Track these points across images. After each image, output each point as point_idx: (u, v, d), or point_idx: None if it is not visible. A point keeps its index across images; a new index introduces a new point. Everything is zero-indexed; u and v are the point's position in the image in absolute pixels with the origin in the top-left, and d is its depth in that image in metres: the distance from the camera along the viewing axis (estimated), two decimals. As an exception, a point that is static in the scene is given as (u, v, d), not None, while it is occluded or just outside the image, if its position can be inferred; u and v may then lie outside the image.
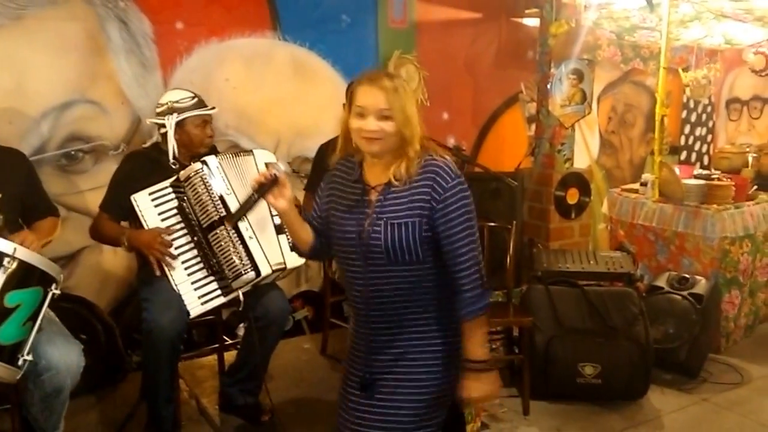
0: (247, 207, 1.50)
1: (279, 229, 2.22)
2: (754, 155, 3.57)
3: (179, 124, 2.24)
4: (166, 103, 2.24)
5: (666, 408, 2.59)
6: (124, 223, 2.26)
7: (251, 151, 2.32)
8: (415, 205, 1.40)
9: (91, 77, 2.64)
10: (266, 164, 2.17)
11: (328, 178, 1.54)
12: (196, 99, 2.28)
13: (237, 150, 2.59)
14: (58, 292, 1.77)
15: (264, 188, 1.45)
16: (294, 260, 2.22)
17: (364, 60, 3.23)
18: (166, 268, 2.11)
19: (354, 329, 1.55)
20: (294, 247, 1.61)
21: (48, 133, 2.58)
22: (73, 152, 2.64)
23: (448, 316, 1.46)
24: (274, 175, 1.44)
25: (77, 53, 2.60)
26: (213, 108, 2.32)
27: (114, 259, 2.74)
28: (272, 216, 2.21)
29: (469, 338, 1.43)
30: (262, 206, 2.16)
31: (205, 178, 2.10)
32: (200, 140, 2.27)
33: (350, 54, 3.18)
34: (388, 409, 1.45)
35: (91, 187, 2.65)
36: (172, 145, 2.22)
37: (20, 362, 1.69)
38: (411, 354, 1.45)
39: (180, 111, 2.22)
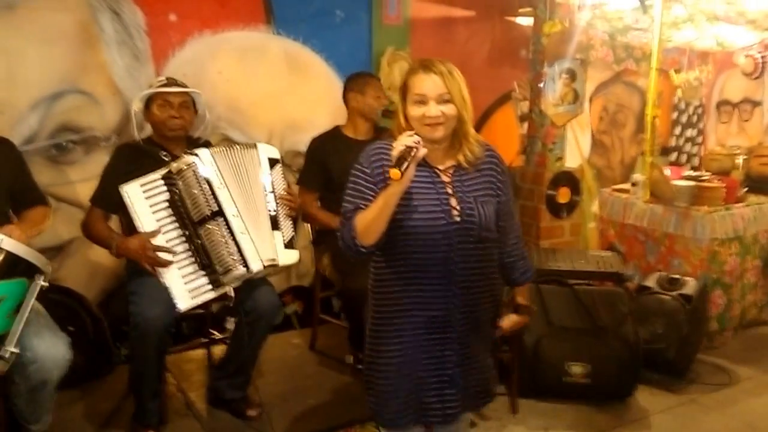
0: (403, 163, 1.37)
1: (274, 225, 2.20)
2: (744, 157, 3.59)
3: (148, 108, 2.23)
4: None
5: (654, 408, 2.59)
6: (114, 217, 2.24)
7: (255, 144, 2.28)
8: (488, 185, 1.52)
9: (82, 68, 2.62)
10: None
11: (371, 167, 1.48)
12: (165, 81, 2.25)
13: (234, 143, 2.57)
14: (45, 284, 1.75)
15: (409, 154, 1.37)
16: (287, 257, 2.21)
17: (358, 55, 3.23)
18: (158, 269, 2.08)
19: (414, 316, 1.52)
20: (356, 240, 1.46)
21: (38, 123, 2.56)
22: (63, 143, 2.63)
23: (497, 293, 1.63)
24: (416, 146, 1.38)
25: (69, 44, 2.58)
26: (178, 86, 2.23)
27: (103, 251, 2.69)
28: (268, 211, 2.19)
29: (522, 293, 1.72)
30: (257, 200, 2.18)
31: (197, 171, 2.08)
32: (162, 121, 2.19)
33: (344, 49, 3.17)
34: (480, 371, 1.60)
35: (82, 178, 2.63)
36: (136, 129, 2.21)
37: (6, 354, 1.67)
38: (484, 318, 1.59)
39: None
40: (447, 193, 1.46)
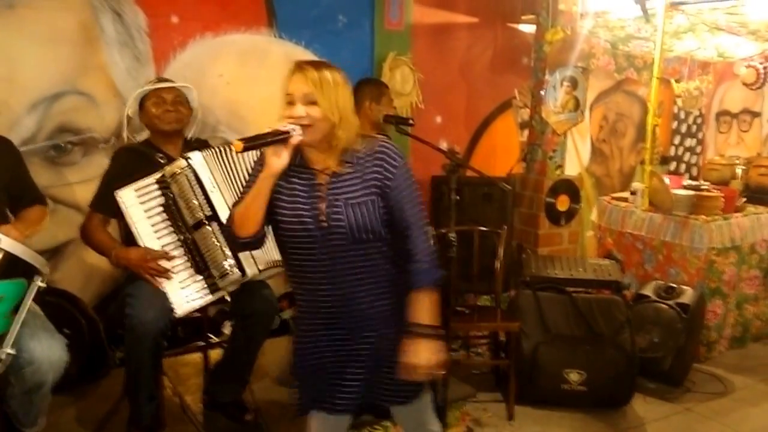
0: (257, 141, 1.39)
1: None
2: (743, 168, 3.60)
3: (142, 108, 2.22)
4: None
5: (649, 416, 2.60)
6: (113, 221, 2.23)
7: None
8: (370, 184, 1.45)
9: (82, 69, 2.61)
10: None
11: (256, 167, 1.49)
12: (156, 80, 2.26)
13: (224, 143, 2.57)
14: (44, 285, 1.74)
15: (275, 137, 1.37)
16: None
17: (360, 60, 3.23)
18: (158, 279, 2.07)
19: (307, 315, 1.53)
20: (232, 230, 1.49)
21: (37, 124, 2.54)
22: (62, 144, 2.61)
23: (401, 289, 1.50)
24: (288, 132, 1.38)
25: (69, 44, 2.57)
26: (165, 81, 2.25)
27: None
28: None
29: (417, 304, 1.48)
30: None
31: (189, 175, 2.06)
32: (157, 118, 2.19)
33: (346, 54, 3.16)
34: (380, 373, 1.51)
35: (80, 180, 2.62)
36: (124, 129, 2.22)
37: (2, 356, 1.66)
38: (375, 326, 1.50)
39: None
40: (318, 197, 1.44)
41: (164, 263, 2.07)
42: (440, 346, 1.49)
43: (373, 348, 1.51)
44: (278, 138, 1.38)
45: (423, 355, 1.46)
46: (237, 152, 1.42)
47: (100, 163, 2.31)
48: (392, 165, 1.46)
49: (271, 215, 1.48)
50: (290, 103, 1.41)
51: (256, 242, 1.51)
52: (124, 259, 2.09)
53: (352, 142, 1.46)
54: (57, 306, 2.44)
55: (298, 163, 1.47)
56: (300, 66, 1.42)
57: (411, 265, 1.47)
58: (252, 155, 2.18)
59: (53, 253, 2.62)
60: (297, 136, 1.39)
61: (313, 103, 1.40)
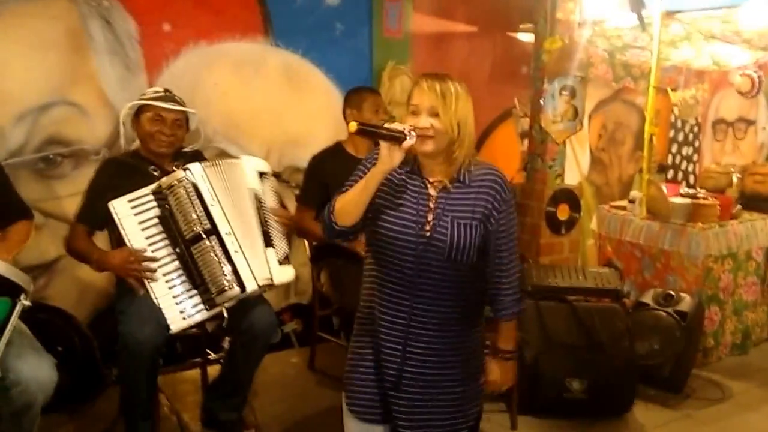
0: (373, 129, 1.42)
1: (267, 242, 2.12)
2: (738, 175, 3.64)
3: (137, 118, 2.15)
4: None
5: (650, 423, 2.61)
6: (100, 234, 2.17)
7: (239, 158, 2.23)
8: (478, 209, 1.47)
9: (71, 78, 2.53)
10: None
11: (368, 159, 1.52)
12: (163, 93, 2.17)
13: (222, 157, 2.53)
14: (28, 303, 1.68)
15: (390, 132, 1.39)
16: (282, 275, 2.14)
17: (358, 69, 3.19)
18: (147, 283, 2.01)
19: (381, 326, 1.53)
20: (332, 217, 1.51)
21: (25, 135, 2.46)
22: (51, 156, 2.53)
23: (475, 315, 1.58)
24: (404, 132, 1.40)
25: (57, 52, 2.49)
26: (175, 101, 2.15)
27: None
28: (261, 227, 2.13)
29: (504, 333, 1.60)
30: (250, 217, 2.11)
31: (188, 188, 2.00)
32: (150, 136, 2.12)
33: (344, 63, 3.14)
34: (425, 404, 1.53)
35: (70, 193, 2.53)
36: (122, 137, 2.16)
37: None
38: (446, 350, 1.53)
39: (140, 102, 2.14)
40: (427, 206, 1.47)
41: (149, 264, 2.00)
42: (515, 366, 1.64)
43: (422, 372, 1.53)
44: (393, 135, 1.40)
45: (505, 375, 1.62)
46: (351, 132, 1.42)
47: (90, 176, 2.21)
48: (502, 198, 1.49)
49: (374, 214, 1.49)
50: (414, 113, 1.45)
51: (351, 233, 1.53)
52: (106, 263, 2.04)
53: (468, 158, 1.48)
54: (49, 323, 2.36)
55: (413, 170, 1.50)
56: (427, 78, 1.46)
57: (500, 294, 1.55)
58: (234, 167, 2.12)
59: (44, 269, 2.54)
60: (410, 141, 1.39)
61: (436, 115, 1.42)
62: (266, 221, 2.16)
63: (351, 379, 1.60)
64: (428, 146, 1.43)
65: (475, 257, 1.48)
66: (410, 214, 1.47)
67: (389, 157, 1.40)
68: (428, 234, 1.45)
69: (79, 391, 2.44)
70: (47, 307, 2.44)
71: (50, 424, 1.93)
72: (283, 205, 2.33)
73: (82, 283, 2.64)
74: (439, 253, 1.45)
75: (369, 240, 1.55)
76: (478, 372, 1.61)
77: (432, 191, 1.48)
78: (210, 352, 2.59)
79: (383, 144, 1.40)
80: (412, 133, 1.40)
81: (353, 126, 1.39)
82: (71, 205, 2.49)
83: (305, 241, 2.84)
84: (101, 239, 2.21)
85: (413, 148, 1.42)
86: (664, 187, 3.28)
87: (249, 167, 2.20)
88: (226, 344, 2.71)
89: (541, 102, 3.22)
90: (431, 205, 1.47)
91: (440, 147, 1.44)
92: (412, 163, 1.49)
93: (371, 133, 1.43)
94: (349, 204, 1.47)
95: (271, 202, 2.21)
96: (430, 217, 1.46)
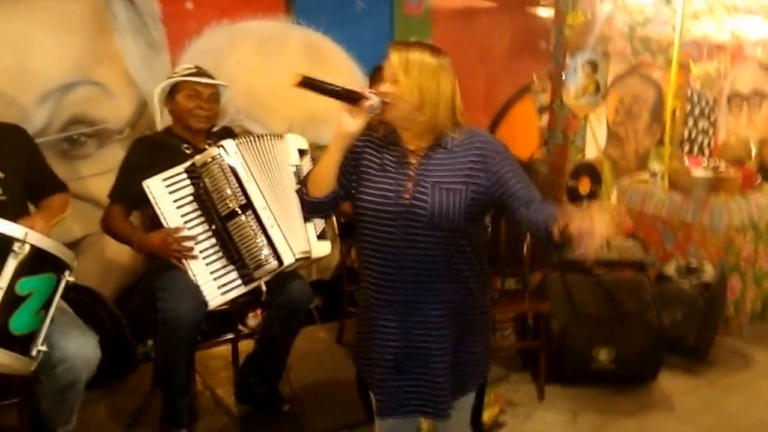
0: (323, 87, 1.36)
1: (306, 217, 2.13)
2: (756, 147, 3.66)
3: (172, 96, 2.14)
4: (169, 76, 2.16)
5: (676, 391, 2.67)
6: (136, 213, 2.18)
7: (283, 135, 2.22)
8: (461, 173, 1.41)
9: (95, 57, 2.52)
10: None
11: (354, 143, 1.47)
12: (195, 69, 2.16)
13: (261, 134, 2.54)
14: (72, 279, 1.68)
15: (350, 96, 1.35)
16: (320, 249, 2.16)
17: (380, 46, 3.17)
18: (185, 261, 2.02)
19: (376, 299, 1.48)
20: (307, 186, 1.48)
21: (49, 115, 2.46)
22: (75, 136, 2.52)
23: (477, 287, 1.49)
24: (360, 93, 1.36)
25: (81, 32, 2.48)
26: (208, 76, 2.15)
27: (118, 247, 2.59)
28: (298, 202, 2.15)
29: (568, 219, 1.27)
30: (287, 192, 2.10)
31: (223, 164, 2.00)
32: (188, 111, 2.11)
33: (365, 40, 3.12)
34: (423, 377, 1.47)
35: (95, 173, 2.55)
36: (158, 115, 2.14)
37: (34, 353, 1.60)
38: (442, 320, 1.46)
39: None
40: (407, 175, 1.42)
41: (189, 244, 2.02)
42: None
43: (430, 345, 1.46)
44: (347, 94, 1.36)
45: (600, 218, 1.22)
46: (292, 84, 1.35)
47: (114, 155, 2.23)
48: (491, 150, 1.42)
49: (356, 188, 1.46)
50: (382, 79, 1.41)
51: (326, 204, 1.49)
52: (146, 245, 2.04)
53: (443, 125, 1.41)
54: (79, 302, 2.30)
55: (391, 141, 1.45)
56: (393, 45, 1.41)
57: (533, 214, 1.35)
58: (274, 144, 2.11)
59: (70, 248, 2.53)
60: (369, 104, 1.36)
61: (396, 81, 1.38)
62: None
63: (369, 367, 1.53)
64: (389, 112, 1.38)
65: (462, 223, 1.41)
66: (389, 184, 1.42)
67: (349, 119, 1.37)
68: (408, 202, 1.40)
69: (111, 369, 2.41)
70: (76, 286, 2.40)
71: (85, 401, 1.91)
72: None
73: (107, 262, 2.66)
74: (421, 220, 1.39)
75: (355, 215, 1.50)
76: (480, 350, 1.53)
77: (413, 159, 1.43)
78: (242, 327, 2.60)
79: (343, 107, 1.37)
80: (373, 97, 1.36)
81: (295, 78, 1.32)
82: (95, 185, 2.51)
83: (333, 218, 2.86)
84: (133, 217, 2.22)
85: (380, 117, 1.39)
86: (686, 160, 3.30)
87: (292, 145, 2.21)
88: (251, 320, 2.75)
89: (563, 77, 3.22)
90: (411, 173, 1.42)
91: (404, 114, 1.39)
92: (392, 135, 1.45)
93: (317, 88, 1.36)
94: (316, 175, 1.46)
95: None
96: (410, 185, 1.41)
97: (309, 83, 1.36)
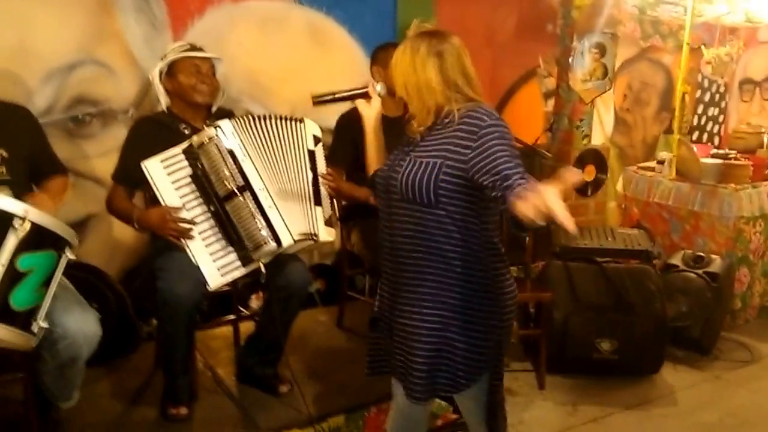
0: (335, 98, 1.66)
1: (317, 201, 2.14)
2: (768, 137, 3.57)
3: (171, 75, 2.14)
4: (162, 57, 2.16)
5: (679, 384, 2.62)
6: (139, 194, 2.19)
7: (302, 119, 2.19)
8: (443, 147, 1.44)
9: (98, 37, 2.51)
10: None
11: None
12: (188, 46, 2.18)
13: (247, 113, 2.51)
14: (73, 257, 1.69)
15: (359, 94, 1.63)
16: (326, 234, 2.15)
17: (382, 26, 3.12)
18: (184, 242, 2.03)
19: (383, 267, 1.62)
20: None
21: (53, 95, 2.46)
22: (80, 116, 2.52)
23: (468, 272, 1.46)
24: (363, 88, 1.62)
25: (84, 10, 2.47)
26: (203, 51, 2.18)
27: (122, 226, 2.62)
28: (313, 186, 2.13)
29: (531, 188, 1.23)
30: (291, 174, 2.10)
31: (220, 144, 1.99)
32: (192, 87, 2.13)
33: (368, 20, 3.07)
34: (404, 353, 1.52)
35: (99, 153, 2.55)
36: (161, 96, 2.15)
37: (35, 329, 1.62)
38: (428, 300, 1.48)
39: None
40: (407, 153, 1.53)
41: (186, 225, 2.02)
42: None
43: (397, 322, 1.54)
44: (355, 94, 1.64)
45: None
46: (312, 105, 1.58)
47: (118, 135, 2.24)
48: (477, 125, 1.39)
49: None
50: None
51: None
52: (145, 221, 2.06)
53: (433, 107, 1.49)
54: (84, 280, 2.37)
55: (405, 128, 1.59)
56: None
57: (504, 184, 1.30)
58: (285, 126, 2.15)
59: (75, 228, 2.54)
60: (374, 91, 1.62)
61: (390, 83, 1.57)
62: (317, 182, 2.18)
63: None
64: (388, 111, 1.63)
65: (435, 199, 1.41)
66: (391, 161, 1.57)
67: (367, 107, 1.67)
68: (387, 174, 1.54)
69: (115, 347, 2.46)
70: (81, 265, 2.44)
71: (89, 378, 1.96)
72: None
73: (113, 241, 2.67)
74: (396, 192, 1.48)
75: None
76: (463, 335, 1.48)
77: (418, 138, 1.54)
78: (242, 308, 2.62)
79: (357, 102, 1.66)
80: (375, 84, 1.64)
81: (312, 101, 1.63)
82: (100, 165, 2.50)
83: (334, 201, 2.82)
84: (137, 198, 2.23)
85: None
86: (694, 147, 3.22)
87: (309, 130, 2.20)
88: (253, 302, 2.77)
89: (570, 60, 3.13)
90: (409, 150, 1.53)
91: (400, 104, 1.62)
92: (407, 122, 1.59)
93: (331, 101, 1.66)
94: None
95: (322, 165, 2.22)
96: (406, 161, 1.51)
97: (323, 101, 1.67)
